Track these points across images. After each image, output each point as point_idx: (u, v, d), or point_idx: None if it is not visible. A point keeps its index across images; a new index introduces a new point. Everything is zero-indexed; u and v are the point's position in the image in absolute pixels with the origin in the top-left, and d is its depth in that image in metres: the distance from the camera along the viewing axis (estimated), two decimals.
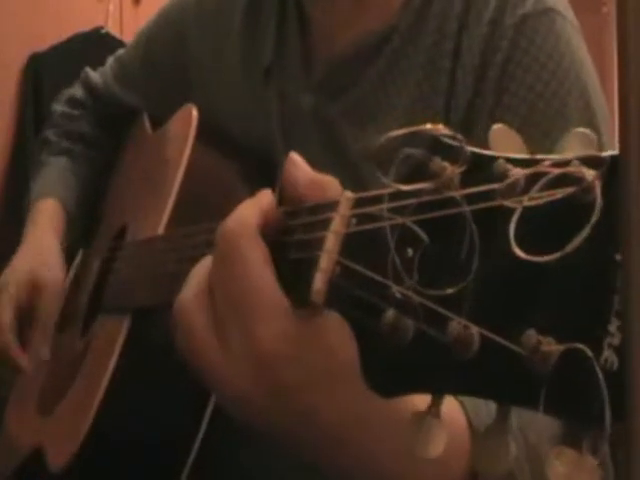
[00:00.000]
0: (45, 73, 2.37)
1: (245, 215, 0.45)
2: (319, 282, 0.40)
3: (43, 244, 1.03)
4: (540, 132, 0.71)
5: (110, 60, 1.15)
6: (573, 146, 0.34)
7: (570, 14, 0.78)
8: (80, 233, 1.10)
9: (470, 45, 0.76)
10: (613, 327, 0.31)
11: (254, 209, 0.45)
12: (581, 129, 0.34)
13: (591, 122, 0.73)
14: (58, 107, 1.17)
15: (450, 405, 0.47)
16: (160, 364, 0.74)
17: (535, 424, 0.51)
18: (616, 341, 0.31)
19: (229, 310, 0.44)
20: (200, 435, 0.73)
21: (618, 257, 0.32)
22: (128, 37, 2.39)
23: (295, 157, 0.47)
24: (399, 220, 0.37)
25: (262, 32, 0.89)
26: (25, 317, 0.97)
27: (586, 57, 0.77)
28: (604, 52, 2.85)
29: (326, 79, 0.83)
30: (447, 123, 0.76)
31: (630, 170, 0.30)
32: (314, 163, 0.47)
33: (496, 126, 0.37)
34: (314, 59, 0.85)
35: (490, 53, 0.75)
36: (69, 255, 1.05)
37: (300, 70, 0.86)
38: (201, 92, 0.96)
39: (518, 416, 0.45)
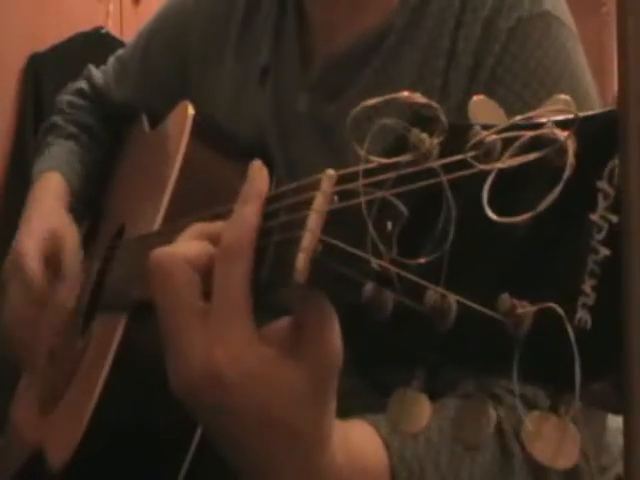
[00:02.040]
0: (45, 73, 2.37)
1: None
2: (301, 262, 0.40)
3: (53, 207, 1.01)
4: None
5: (111, 59, 1.16)
6: (554, 110, 0.34)
7: (567, 17, 0.76)
8: (82, 216, 1.09)
9: (465, 45, 0.75)
10: (587, 287, 0.32)
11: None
12: (561, 95, 0.35)
13: None
14: (65, 97, 1.17)
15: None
16: (157, 362, 0.73)
17: None
18: (590, 301, 0.32)
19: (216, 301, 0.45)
20: (197, 433, 0.73)
21: (592, 217, 0.32)
22: (128, 37, 2.38)
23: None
24: (378, 194, 0.37)
25: (259, 32, 0.89)
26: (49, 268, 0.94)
27: (581, 62, 0.75)
28: (604, 52, 2.85)
29: (323, 79, 0.83)
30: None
31: (630, 170, 0.30)
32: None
33: (475, 97, 0.37)
34: (312, 59, 0.85)
35: (482, 55, 0.74)
36: None
37: (297, 70, 0.85)
38: (199, 91, 0.96)
39: None
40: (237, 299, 0.44)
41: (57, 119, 1.15)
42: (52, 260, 0.95)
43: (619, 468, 0.93)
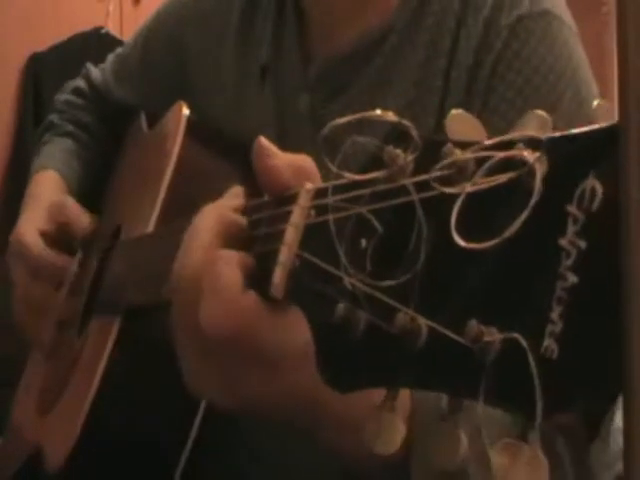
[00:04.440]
0: (45, 73, 2.37)
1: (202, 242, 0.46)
2: (278, 276, 0.40)
3: (50, 189, 1.02)
4: None
5: (110, 58, 1.15)
6: (529, 128, 0.33)
7: (567, 16, 0.77)
8: None
9: (466, 44, 0.75)
10: (555, 314, 0.31)
11: (211, 222, 0.46)
12: (537, 111, 0.34)
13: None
14: (62, 96, 1.17)
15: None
16: (151, 363, 0.73)
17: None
18: (557, 329, 0.31)
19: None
20: (193, 432, 0.73)
21: (561, 242, 0.31)
22: (128, 37, 2.37)
23: (267, 145, 0.46)
24: (353, 210, 0.37)
25: (259, 31, 0.89)
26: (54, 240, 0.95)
27: (582, 60, 0.76)
28: (604, 52, 2.85)
29: (323, 79, 0.83)
30: (441, 123, 0.76)
31: (630, 170, 0.30)
32: None
33: (454, 111, 0.36)
34: (311, 58, 0.85)
35: (483, 52, 0.74)
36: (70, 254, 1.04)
37: (297, 70, 0.85)
38: (198, 90, 0.96)
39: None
40: None
41: (54, 118, 1.15)
42: (60, 230, 0.95)
43: (619, 468, 0.93)
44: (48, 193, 1.02)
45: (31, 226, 0.95)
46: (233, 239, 0.45)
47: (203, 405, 0.72)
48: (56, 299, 0.94)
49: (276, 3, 0.88)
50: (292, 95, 0.85)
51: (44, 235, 0.94)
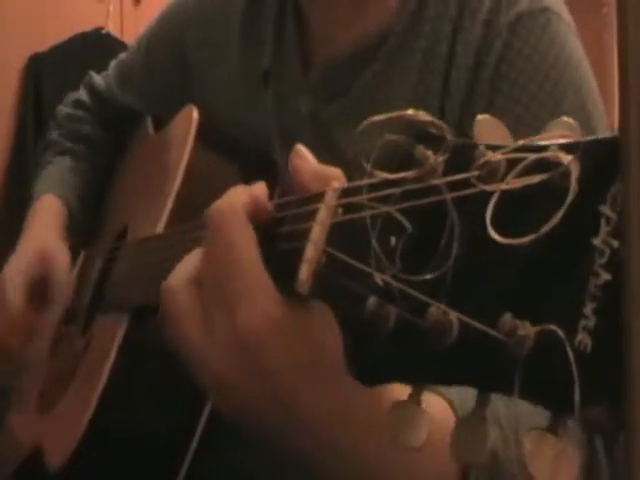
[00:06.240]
0: (45, 73, 2.37)
1: (234, 199, 0.46)
2: (304, 273, 0.41)
3: (47, 235, 1.02)
4: (533, 133, 0.71)
5: (113, 63, 1.16)
6: (556, 134, 0.35)
7: (566, 13, 0.77)
8: (82, 229, 1.10)
9: (464, 47, 0.76)
10: (588, 310, 0.32)
11: (244, 194, 0.46)
12: (565, 118, 0.35)
13: (586, 123, 0.72)
14: (63, 109, 1.18)
15: (439, 404, 0.48)
16: (157, 364, 0.74)
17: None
18: (590, 324, 0.32)
19: (214, 293, 0.45)
20: (197, 435, 0.73)
21: (594, 241, 0.32)
22: (128, 37, 2.39)
23: (301, 149, 0.48)
24: (383, 209, 0.37)
25: (261, 35, 0.89)
26: (36, 294, 0.96)
27: (582, 57, 0.76)
28: (604, 52, 2.85)
29: (323, 82, 0.83)
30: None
31: (631, 170, 0.30)
32: None
33: (481, 116, 0.37)
34: (312, 62, 0.85)
35: (484, 53, 0.75)
36: (72, 256, 1.05)
37: (298, 73, 0.86)
38: (201, 94, 0.96)
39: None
40: None
41: (54, 135, 1.16)
42: (40, 282, 0.97)
43: None
44: (46, 220, 1.03)
45: (19, 271, 0.96)
46: (258, 220, 0.45)
47: (208, 407, 0.73)
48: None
49: (277, 5, 0.88)
50: (294, 97, 0.85)
51: (26, 286, 0.96)
